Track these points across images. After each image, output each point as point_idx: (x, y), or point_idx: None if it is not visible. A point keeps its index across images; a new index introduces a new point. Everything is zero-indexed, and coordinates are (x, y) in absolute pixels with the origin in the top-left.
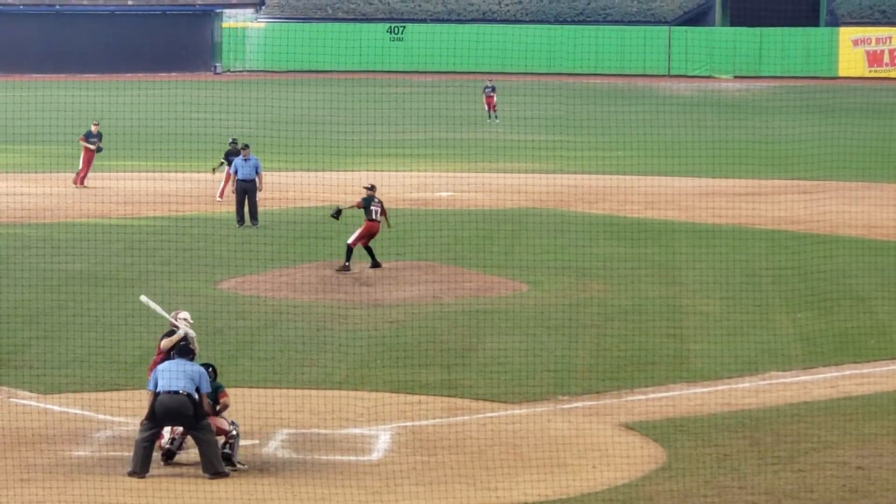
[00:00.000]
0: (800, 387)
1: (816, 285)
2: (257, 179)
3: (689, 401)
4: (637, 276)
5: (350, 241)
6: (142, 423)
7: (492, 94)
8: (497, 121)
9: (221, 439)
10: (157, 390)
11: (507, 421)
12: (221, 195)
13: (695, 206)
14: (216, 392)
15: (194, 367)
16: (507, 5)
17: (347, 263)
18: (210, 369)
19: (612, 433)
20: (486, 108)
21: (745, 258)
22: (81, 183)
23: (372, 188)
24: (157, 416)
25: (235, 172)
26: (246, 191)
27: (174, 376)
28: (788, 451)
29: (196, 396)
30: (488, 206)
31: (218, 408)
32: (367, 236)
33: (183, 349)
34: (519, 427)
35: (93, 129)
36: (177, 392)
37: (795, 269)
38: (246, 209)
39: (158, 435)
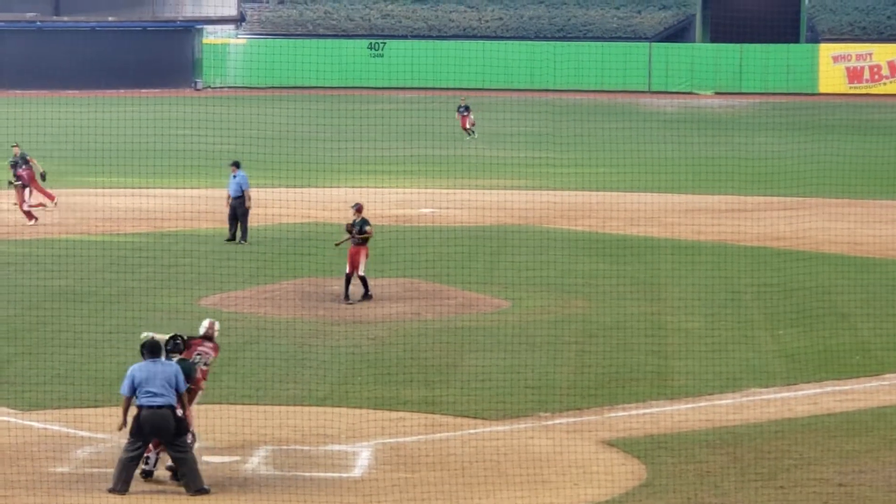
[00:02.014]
0: (781, 403)
1: (799, 302)
2: (244, 196)
3: (671, 417)
4: (619, 292)
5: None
6: (128, 440)
7: (465, 113)
8: (475, 136)
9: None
10: (139, 404)
11: (489, 437)
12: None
13: (677, 223)
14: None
15: (169, 368)
16: (487, 21)
17: (347, 294)
18: (179, 340)
19: (594, 450)
20: (462, 126)
21: (727, 275)
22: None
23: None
24: (144, 433)
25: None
26: (234, 207)
27: (154, 387)
28: (770, 467)
29: (176, 406)
30: (470, 223)
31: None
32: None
33: (153, 347)
34: (500, 444)
35: (14, 152)
36: (160, 407)
37: (778, 285)
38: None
39: (144, 453)
